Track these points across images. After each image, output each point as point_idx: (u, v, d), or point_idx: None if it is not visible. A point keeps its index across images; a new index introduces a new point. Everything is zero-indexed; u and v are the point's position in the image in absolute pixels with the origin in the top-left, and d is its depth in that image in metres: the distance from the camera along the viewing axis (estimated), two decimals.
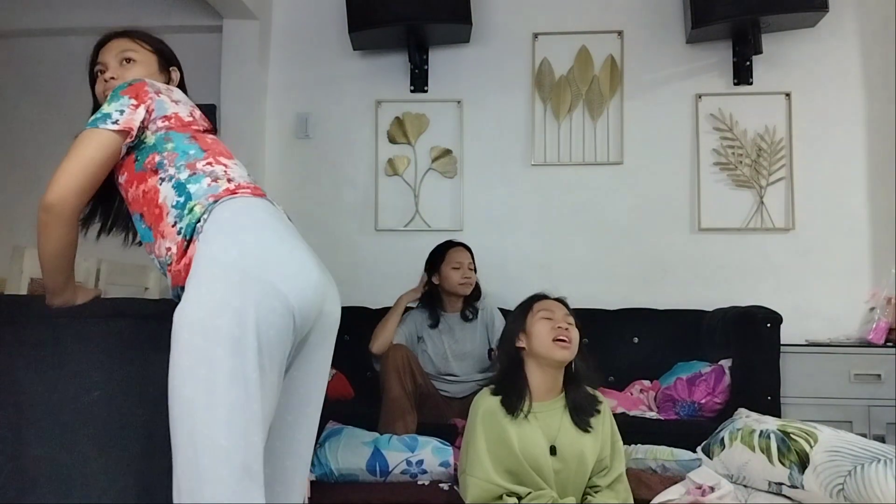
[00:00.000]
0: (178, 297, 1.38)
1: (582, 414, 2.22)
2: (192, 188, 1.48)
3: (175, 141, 1.56)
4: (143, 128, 1.56)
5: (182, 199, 1.47)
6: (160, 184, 1.51)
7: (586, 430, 2.20)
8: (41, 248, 1.48)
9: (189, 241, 1.41)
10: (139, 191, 1.54)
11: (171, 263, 1.45)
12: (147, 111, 1.56)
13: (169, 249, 1.46)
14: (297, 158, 4.05)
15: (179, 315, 1.30)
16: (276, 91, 4.07)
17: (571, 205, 3.88)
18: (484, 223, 3.90)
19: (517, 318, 2.34)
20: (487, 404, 2.23)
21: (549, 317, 2.26)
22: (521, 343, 2.28)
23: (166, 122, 1.59)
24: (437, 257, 3.31)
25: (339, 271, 3.85)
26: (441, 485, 2.52)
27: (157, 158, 1.54)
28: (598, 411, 2.25)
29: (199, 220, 1.41)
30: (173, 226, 1.45)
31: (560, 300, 2.37)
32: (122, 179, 1.58)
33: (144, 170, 1.54)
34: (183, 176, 1.50)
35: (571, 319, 2.28)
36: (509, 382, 2.26)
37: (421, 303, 3.35)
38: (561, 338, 2.21)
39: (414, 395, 2.98)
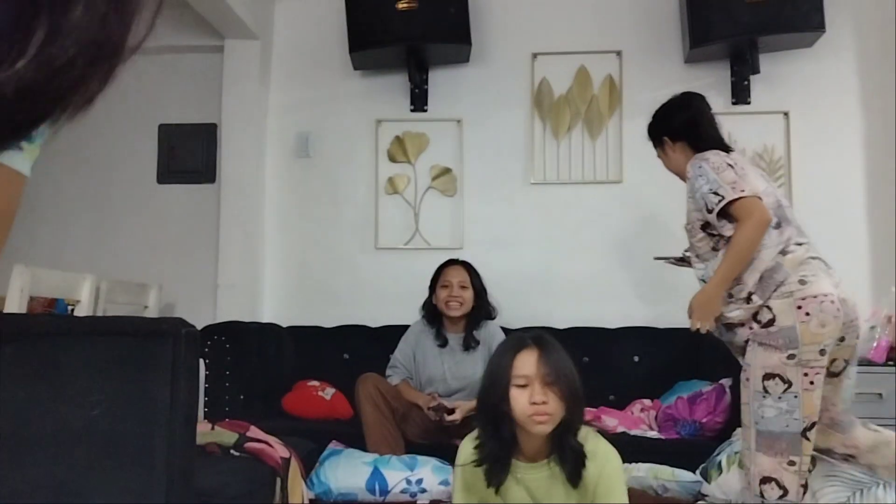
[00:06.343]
0: None
1: (571, 470, 1.89)
2: None
3: None
4: None
5: None
6: None
7: (576, 486, 1.90)
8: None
9: None
10: None
11: None
12: None
13: None
14: (298, 177, 4.06)
15: None
16: (277, 110, 4.09)
17: (571, 223, 3.88)
18: (484, 241, 3.89)
19: (497, 373, 1.94)
20: (468, 459, 1.96)
21: (525, 384, 1.87)
22: (503, 406, 1.89)
23: None
24: (435, 276, 3.30)
25: (340, 289, 3.94)
26: None
27: None
28: (584, 465, 1.90)
29: None
30: None
31: (543, 346, 1.92)
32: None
33: None
34: None
35: (553, 377, 1.86)
36: (494, 441, 1.93)
37: (425, 321, 3.30)
38: (537, 414, 1.85)
39: (392, 417, 2.96)
